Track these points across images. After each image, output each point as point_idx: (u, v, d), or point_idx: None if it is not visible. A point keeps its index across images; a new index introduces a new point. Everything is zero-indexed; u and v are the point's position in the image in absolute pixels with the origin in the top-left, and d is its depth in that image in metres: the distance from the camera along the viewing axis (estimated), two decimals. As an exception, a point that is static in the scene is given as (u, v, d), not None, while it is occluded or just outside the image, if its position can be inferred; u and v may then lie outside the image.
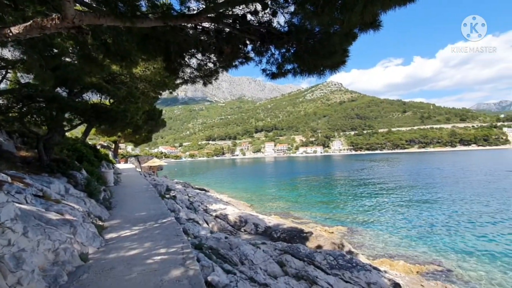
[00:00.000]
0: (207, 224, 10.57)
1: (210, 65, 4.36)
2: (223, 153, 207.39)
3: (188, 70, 4.59)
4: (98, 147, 24.89)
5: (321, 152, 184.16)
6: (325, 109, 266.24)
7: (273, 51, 3.81)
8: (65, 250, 3.47)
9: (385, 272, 6.66)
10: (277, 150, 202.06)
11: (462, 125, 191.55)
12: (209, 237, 6.69)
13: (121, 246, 4.42)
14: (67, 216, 4.56)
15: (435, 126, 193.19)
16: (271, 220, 12.23)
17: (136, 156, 40.85)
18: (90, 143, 23.69)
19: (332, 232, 12.63)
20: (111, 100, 13.61)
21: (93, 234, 4.61)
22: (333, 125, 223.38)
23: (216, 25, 3.34)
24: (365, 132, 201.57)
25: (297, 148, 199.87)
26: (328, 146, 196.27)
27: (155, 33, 3.38)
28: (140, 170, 30.75)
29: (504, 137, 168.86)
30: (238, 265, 5.31)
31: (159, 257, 3.82)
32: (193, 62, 4.41)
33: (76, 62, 8.68)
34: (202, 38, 3.62)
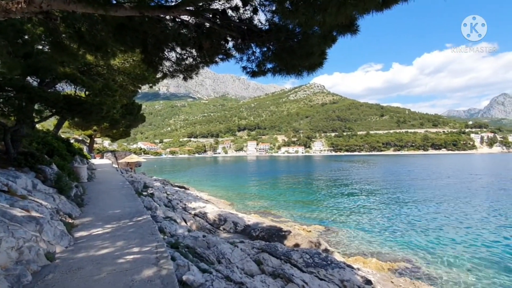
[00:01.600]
0: (186, 222, 10.39)
1: (190, 59, 4.26)
2: (205, 151, 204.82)
3: (167, 64, 4.45)
4: (72, 141, 23.68)
5: (302, 152, 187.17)
6: (307, 110, 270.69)
7: (254, 49, 3.80)
8: (29, 248, 3.27)
9: (358, 269, 6.90)
10: (260, 149, 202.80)
11: (434, 130, 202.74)
12: (187, 236, 6.58)
13: (92, 245, 4.23)
14: (33, 213, 4.29)
15: (409, 130, 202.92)
16: (251, 218, 12.26)
17: (113, 151, 39.31)
18: (63, 136, 22.48)
19: (310, 231, 12.87)
20: (87, 92, 12.97)
21: (61, 232, 4.38)
22: (314, 126, 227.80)
23: (195, 19, 3.26)
24: (345, 134, 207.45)
25: (279, 147, 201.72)
26: (309, 147, 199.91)
27: (131, 23, 3.24)
28: (116, 166, 29.67)
29: (471, 143, 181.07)
30: (214, 264, 5.26)
31: (131, 257, 3.69)
32: (173, 55, 4.29)
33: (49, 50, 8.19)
34: (181, 31, 3.52)
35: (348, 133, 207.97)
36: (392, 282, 6.63)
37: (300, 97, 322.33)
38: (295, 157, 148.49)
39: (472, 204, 18.75)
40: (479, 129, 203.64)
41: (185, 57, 4.25)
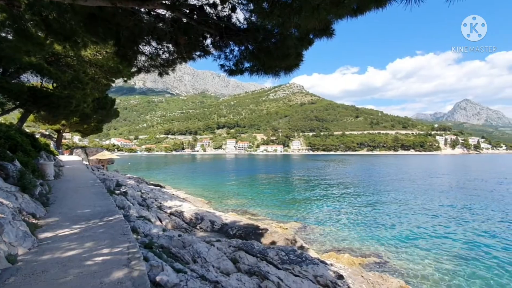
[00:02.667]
0: (161, 222, 10.13)
1: (167, 55, 4.14)
2: (183, 148, 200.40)
3: (142, 58, 4.29)
4: (38, 136, 22.08)
5: (281, 151, 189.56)
6: (286, 109, 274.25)
7: (232, 48, 3.78)
8: (-12, 250, 3.02)
9: (331, 265, 7.16)
10: (238, 147, 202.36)
11: (404, 132, 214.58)
12: (161, 236, 6.42)
13: (58, 247, 3.99)
14: (-9, 213, 3.97)
15: (382, 132, 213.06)
16: (228, 217, 12.23)
17: (83, 147, 37.14)
18: (27, 131, 20.87)
19: (287, 228, 13.11)
20: (55, 84, 12.15)
21: (24, 233, 4.08)
22: (293, 126, 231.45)
23: (172, 13, 3.17)
24: (322, 134, 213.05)
25: (258, 146, 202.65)
26: (288, 146, 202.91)
27: (103, 14, 3.08)
28: (87, 163, 28.23)
29: (436, 144, 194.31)
30: (190, 264, 5.20)
31: (100, 258, 3.53)
32: (148, 50, 4.13)
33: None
34: (157, 25, 3.40)
35: (325, 133, 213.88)
36: (362, 276, 6.96)
37: (279, 97, 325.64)
38: (274, 155, 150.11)
39: (435, 202, 20.16)
40: (444, 132, 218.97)
41: (161, 52, 4.12)
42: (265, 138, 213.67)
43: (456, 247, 11.01)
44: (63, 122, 25.53)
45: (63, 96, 9.86)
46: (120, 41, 3.51)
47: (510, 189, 25.88)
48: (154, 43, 3.88)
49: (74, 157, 27.02)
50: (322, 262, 6.97)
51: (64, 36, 4.01)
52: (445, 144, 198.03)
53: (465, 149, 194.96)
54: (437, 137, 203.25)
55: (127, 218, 7.21)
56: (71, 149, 35.11)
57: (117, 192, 11.87)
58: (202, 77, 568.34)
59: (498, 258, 9.89)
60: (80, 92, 12.67)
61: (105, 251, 3.83)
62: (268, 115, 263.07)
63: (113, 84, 18.69)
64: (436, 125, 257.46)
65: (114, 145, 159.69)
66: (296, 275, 5.87)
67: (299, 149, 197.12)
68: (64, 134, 33.11)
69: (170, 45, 3.88)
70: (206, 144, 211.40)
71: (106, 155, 30.75)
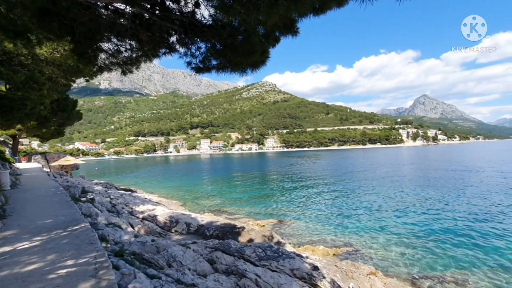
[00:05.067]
0: (132, 227, 9.69)
1: (129, 52, 3.93)
2: (155, 150, 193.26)
3: (103, 56, 4.03)
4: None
5: (256, 149, 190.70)
6: (260, 107, 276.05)
7: (199, 45, 3.71)
8: None
9: (307, 257, 7.37)
10: (213, 147, 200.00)
11: (370, 126, 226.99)
12: (133, 242, 6.15)
13: (16, 261, 3.65)
14: None
15: (351, 127, 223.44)
16: (204, 218, 12.04)
17: (43, 153, 34.27)
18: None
19: (264, 225, 13.23)
20: (8, 86, 11.05)
21: (-26, 251, 3.69)
22: (267, 124, 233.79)
23: (131, 8, 3.02)
24: (295, 130, 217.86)
25: (233, 145, 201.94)
26: (262, 144, 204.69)
27: (56, 8, 2.84)
28: (48, 170, 26.19)
29: (400, 137, 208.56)
30: (164, 269, 5.04)
31: (64, 271, 3.29)
32: (110, 47, 3.89)
33: None
34: (118, 21, 3.21)
35: (298, 130, 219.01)
36: (336, 265, 7.26)
37: (252, 95, 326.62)
38: (249, 154, 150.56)
39: (401, 191, 21.62)
40: (406, 126, 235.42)
41: (123, 49, 3.90)
42: (239, 137, 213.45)
43: (420, 232, 11.92)
44: (19, 126, 23.33)
45: (17, 98, 8.99)
46: (76, 38, 3.26)
47: (469, 177, 28.54)
48: (115, 40, 3.66)
49: (33, 164, 24.89)
50: (298, 255, 7.15)
51: (15, 33, 3.65)
52: (407, 137, 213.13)
53: (424, 141, 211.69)
54: (400, 131, 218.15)
55: (95, 226, 6.80)
56: (29, 155, 32.26)
57: (83, 199, 11.15)
58: (172, 76, 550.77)
59: (460, 239, 10.87)
60: (35, 93, 11.63)
61: (70, 262, 3.58)
62: (242, 114, 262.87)
63: (75, 85, 17.44)
64: (399, 120, 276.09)
65: (79, 150, 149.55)
66: (273, 271, 5.96)
67: (274, 147, 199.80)
68: (21, 140, 30.28)
69: (132, 42, 3.69)
70: (179, 145, 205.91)
71: (69, 160, 28.65)
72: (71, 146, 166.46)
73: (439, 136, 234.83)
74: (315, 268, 6.26)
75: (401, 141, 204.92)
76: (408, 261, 9.09)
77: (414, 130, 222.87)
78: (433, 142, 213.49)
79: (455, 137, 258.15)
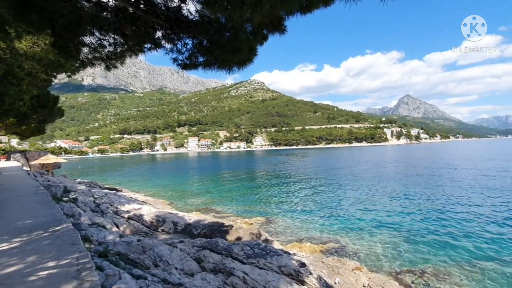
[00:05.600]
0: (118, 227, 9.47)
1: (113, 46, 3.81)
2: (141, 148, 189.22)
3: (85, 50, 3.88)
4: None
5: (244, 148, 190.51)
6: (248, 106, 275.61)
7: (186, 41, 3.64)
8: None
9: (294, 254, 7.45)
10: (201, 145, 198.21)
11: (357, 125, 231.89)
12: (118, 242, 6.01)
13: (-7, 264, 3.49)
14: None
15: (338, 126, 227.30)
16: (192, 216, 11.94)
17: (23, 151, 32.87)
18: None
19: (252, 223, 13.27)
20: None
21: None
22: (255, 122, 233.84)
23: (115, 1, 2.92)
24: (283, 129, 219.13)
25: (221, 143, 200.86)
26: (251, 142, 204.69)
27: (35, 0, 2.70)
28: (28, 169, 25.20)
29: (384, 136, 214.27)
30: (151, 268, 4.96)
31: (45, 272, 3.18)
32: (93, 41, 3.74)
33: None
34: (101, 14, 3.09)
35: (287, 128, 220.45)
36: (322, 262, 7.38)
37: (241, 93, 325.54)
38: (237, 152, 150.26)
39: (385, 188, 22.23)
40: (390, 125, 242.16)
41: (106, 43, 3.77)
42: (228, 135, 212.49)
43: (404, 227, 12.30)
44: (-5, 123, 22.18)
45: (-8, 93, 8.55)
46: (56, 31, 3.12)
47: (450, 175, 29.69)
48: (97, 34, 3.53)
49: (12, 163, 23.87)
50: (286, 252, 7.22)
51: (-11, 25, 3.45)
52: (392, 135, 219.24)
53: (408, 139, 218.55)
54: (385, 130, 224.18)
55: (78, 226, 6.60)
56: (8, 154, 30.88)
57: (65, 199, 10.80)
58: (159, 73, 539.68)
59: (441, 234, 11.31)
60: (14, 89, 11.11)
61: (51, 264, 3.46)
62: (231, 112, 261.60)
63: (56, 80, 16.77)
64: (384, 119, 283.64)
65: (61, 148, 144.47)
66: (261, 268, 6.00)
67: (262, 145, 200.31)
68: (-4, 137, 28.85)
69: (116, 36, 3.57)
70: (166, 143, 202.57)
71: (50, 159, 27.55)
72: (52, 144, 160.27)
73: (422, 135, 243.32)
74: (302, 264, 6.34)
75: (386, 139, 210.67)
76: (392, 256, 9.38)
77: (398, 129, 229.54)
78: (416, 141, 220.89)
79: (437, 136, 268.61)
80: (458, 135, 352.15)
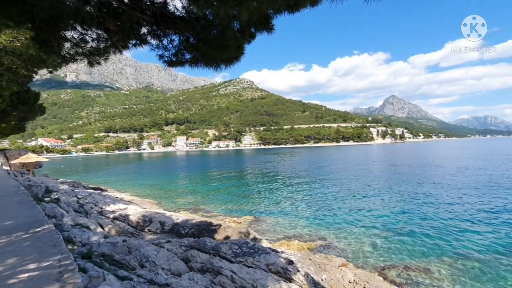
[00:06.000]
0: (102, 228, 9.24)
1: (96, 42, 3.69)
2: (127, 147, 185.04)
3: (67, 45, 3.74)
4: None
5: (233, 146, 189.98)
6: (237, 104, 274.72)
7: (172, 37, 3.58)
8: None
9: (282, 252, 7.52)
10: (190, 144, 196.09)
11: (344, 124, 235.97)
12: (103, 243, 5.87)
13: (-30, 268, 3.34)
14: None
15: (325, 125, 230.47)
16: (180, 216, 11.80)
17: (2, 150, 31.46)
18: None
19: (240, 222, 13.28)
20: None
21: None
22: (244, 121, 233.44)
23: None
24: (272, 128, 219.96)
25: (210, 142, 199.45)
26: (240, 141, 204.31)
27: (14, -9, 2.58)
28: (8, 168, 24.19)
29: (370, 135, 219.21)
30: (136, 269, 4.88)
31: (26, 275, 3.07)
32: (75, 35, 3.60)
33: None
34: (83, 8, 2.98)
35: (275, 127, 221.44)
36: (310, 259, 7.49)
37: (230, 92, 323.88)
38: (226, 151, 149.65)
39: (371, 186, 22.77)
40: (376, 124, 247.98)
41: (88, 38, 3.64)
42: (217, 133, 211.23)
43: (389, 224, 12.65)
44: (-30, 120, 21.10)
45: (-34, 89, 8.11)
46: (37, 24, 2.98)
47: (431, 173, 30.72)
48: (80, 28, 3.40)
49: (-13, 162, 22.70)
50: (274, 250, 7.27)
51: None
52: (377, 135, 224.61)
53: (393, 138, 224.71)
54: (371, 129, 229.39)
55: (60, 227, 6.40)
56: (-16, 152, 29.28)
57: (46, 199, 10.43)
58: (146, 70, 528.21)
59: (424, 230, 11.70)
60: (-9, 85, 10.61)
61: (32, 266, 3.35)
62: (219, 111, 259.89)
63: (38, 76, 16.11)
64: (370, 118, 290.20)
65: (42, 146, 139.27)
66: (249, 266, 6.01)
67: (251, 144, 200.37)
68: (-29, 135, 27.44)
69: (100, 31, 3.46)
70: (154, 142, 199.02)
71: (31, 158, 26.49)
72: (33, 143, 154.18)
73: (406, 135, 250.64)
74: (290, 262, 6.41)
75: (372, 138, 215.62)
76: (377, 252, 9.63)
77: (384, 128, 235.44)
78: (400, 140, 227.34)
79: (420, 136, 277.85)
80: (440, 135, 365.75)
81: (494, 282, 7.45)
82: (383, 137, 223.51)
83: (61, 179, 24.80)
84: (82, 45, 3.70)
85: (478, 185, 21.12)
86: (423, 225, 12.34)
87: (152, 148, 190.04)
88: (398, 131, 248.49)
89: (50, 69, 12.10)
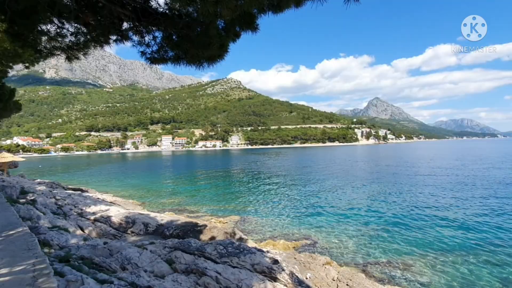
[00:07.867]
0: (82, 230, 8.92)
1: (74, 36, 3.53)
2: (110, 147, 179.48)
3: (44, 38, 3.56)
4: None
5: (220, 146, 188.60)
6: (224, 104, 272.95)
7: (155, 34, 3.50)
8: None
9: (268, 252, 7.54)
10: (176, 143, 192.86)
11: (330, 125, 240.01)
12: (82, 246, 5.66)
13: None
14: None
15: (312, 126, 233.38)
16: (164, 217, 11.59)
17: (-28, 149, 29.63)
18: None
19: (226, 222, 13.20)
20: None
21: None
22: (232, 121, 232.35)
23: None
24: (260, 128, 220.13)
25: (196, 142, 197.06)
26: (227, 141, 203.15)
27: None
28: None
29: (355, 136, 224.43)
30: (117, 272, 4.74)
31: (-4, 281, 2.91)
32: (53, 29, 3.44)
33: None
34: (61, 0, 2.84)
35: (263, 127, 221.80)
36: (295, 258, 7.55)
37: (217, 91, 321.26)
38: (213, 151, 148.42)
39: (355, 186, 23.29)
40: (360, 125, 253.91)
41: (66, 32, 3.48)
42: (203, 133, 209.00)
43: (371, 223, 12.99)
44: None
45: None
46: (10, 17, 2.81)
47: (414, 173, 31.78)
48: (56, 21, 3.24)
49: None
50: (259, 250, 7.27)
51: None
52: (362, 136, 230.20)
53: (376, 139, 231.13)
54: (356, 130, 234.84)
55: (36, 230, 6.11)
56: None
57: (21, 201, 9.96)
58: (130, 68, 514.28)
59: (405, 228, 12.08)
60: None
61: (4, 271, 3.18)
62: (206, 110, 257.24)
63: (14, 72, 15.29)
64: (355, 120, 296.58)
65: (18, 145, 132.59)
66: (234, 267, 5.98)
67: (238, 144, 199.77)
68: None
69: (79, 25, 3.32)
70: (138, 141, 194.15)
71: (6, 157, 25.13)
72: (8, 141, 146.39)
73: (389, 136, 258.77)
74: (275, 261, 6.44)
75: (356, 139, 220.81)
76: (360, 250, 9.86)
77: (368, 129, 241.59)
78: (383, 141, 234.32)
79: (402, 137, 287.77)
80: (420, 136, 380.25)
81: (471, 275, 7.81)
82: (367, 138, 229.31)
83: (39, 180, 23.72)
84: (60, 39, 3.53)
85: (453, 184, 22.09)
86: (404, 222, 12.76)
87: (137, 147, 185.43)
88: (382, 132, 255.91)
89: (27, 64, 11.53)
